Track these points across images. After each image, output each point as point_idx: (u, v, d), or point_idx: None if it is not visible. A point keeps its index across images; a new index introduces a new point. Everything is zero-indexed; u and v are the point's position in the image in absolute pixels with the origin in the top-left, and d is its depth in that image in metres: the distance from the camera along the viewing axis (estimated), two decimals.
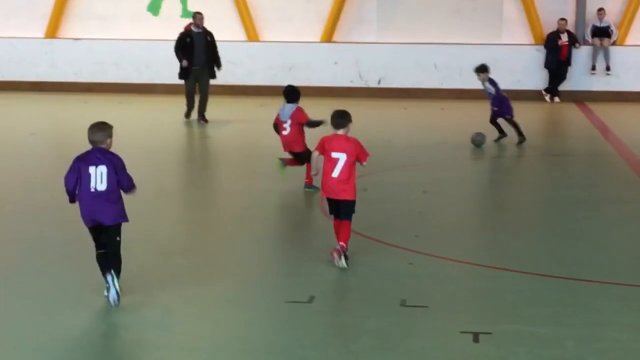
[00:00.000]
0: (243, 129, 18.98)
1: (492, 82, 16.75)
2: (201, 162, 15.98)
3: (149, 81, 23.81)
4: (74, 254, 9.35)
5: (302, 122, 12.36)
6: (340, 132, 9.29)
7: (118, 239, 7.96)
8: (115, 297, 7.74)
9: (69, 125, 19.76)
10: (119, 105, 22.18)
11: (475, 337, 7.13)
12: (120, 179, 7.94)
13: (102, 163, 7.85)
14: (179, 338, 7.18)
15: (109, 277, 7.75)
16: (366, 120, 19.80)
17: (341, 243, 9.01)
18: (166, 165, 14.86)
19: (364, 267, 9.03)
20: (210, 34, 19.56)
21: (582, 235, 10.68)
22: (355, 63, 23.97)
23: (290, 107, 12.46)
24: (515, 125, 16.66)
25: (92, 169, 7.83)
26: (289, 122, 12.39)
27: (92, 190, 7.83)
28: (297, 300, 7.98)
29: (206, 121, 19.16)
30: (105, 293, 7.83)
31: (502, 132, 16.76)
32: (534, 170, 14.99)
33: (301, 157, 12.24)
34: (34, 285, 8.47)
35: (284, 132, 12.49)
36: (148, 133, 18.14)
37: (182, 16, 24.01)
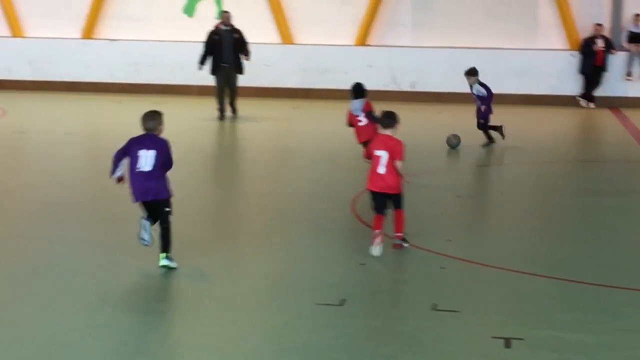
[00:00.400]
0: (276, 131, 19.02)
1: (483, 85, 16.83)
2: (233, 163, 16.01)
3: (183, 82, 23.90)
4: (110, 250, 9.43)
5: (368, 110, 13.48)
6: (387, 132, 9.83)
7: (167, 209, 8.96)
8: (147, 238, 8.85)
9: (103, 125, 19.89)
10: (153, 106, 22.20)
11: (507, 343, 7.11)
12: (166, 161, 9.01)
13: (152, 148, 8.93)
14: (210, 339, 7.20)
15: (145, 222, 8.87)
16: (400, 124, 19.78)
17: (398, 235, 9.77)
18: (198, 166, 14.93)
19: (396, 271, 9.05)
20: (237, 32, 20.20)
21: (615, 241, 10.61)
22: (389, 66, 23.95)
23: (360, 102, 13.57)
24: (485, 130, 16.81)
25: (142, 152, 8.90)
26: (362, 114, 13.45)
27: (137, 170, 8.88)
28: (328, 302, 7.98)
29: (235, 113, 20.17)
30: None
31: (490, 139, 16.84)
32: (568, 176, 14.90)
33: None
34: (73, 283, 8.54)
35: (361, 124, 13.43)
36: (181, 134, 18.21)
37: (217, 18, 24.07)
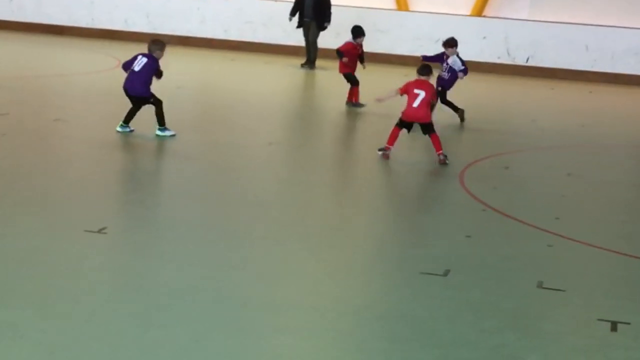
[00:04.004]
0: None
1: (460, 58, 15.93)
2: (337, 129, 15.94)
3: (296, 43, 23.90)
4: (220, 203, 9.53)
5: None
6: (424, 77, 12.53)
7: (152, 100, 12.85)
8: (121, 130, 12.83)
9: (214, 81, 20.05)
10: (264, 65, 22.41)
11: (613, 326, 6.94)
12: (152, 70, 12.73)
13: (145, 58, 12.81)
14: (312, 299, 7.21)
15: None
16: (511, 98, 19.51)
17: (440, 152, 12.26)
18: (294, 128, 14.92)
19: (502, 246, 8.92)
20: None
21: None
22: (505, 39, 23.58)
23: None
24: (449, 104, 15.94)
25: (139, 57, 12.81)
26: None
27: (131, 69, 12.71)
28: (432, 272, 7.91)
29: (311, 68, 22.22)
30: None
31: (457, 109, 15.90)
32: None
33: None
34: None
35: (345, 60, 17.22)
36: (286, 94, 18.28)
37: None
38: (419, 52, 23.48)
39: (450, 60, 15.90)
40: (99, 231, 8.42)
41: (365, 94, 16.58)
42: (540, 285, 7.77)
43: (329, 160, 12.90)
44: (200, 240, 8.51)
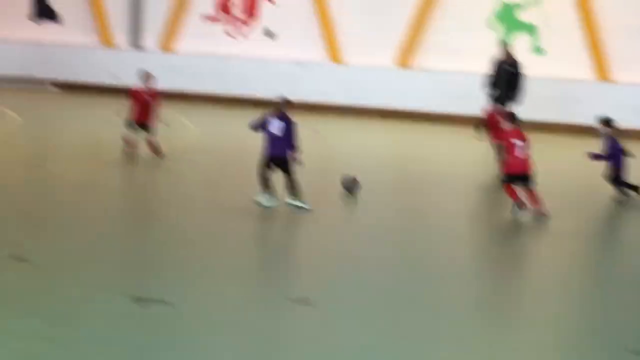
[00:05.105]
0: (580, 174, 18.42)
1: (614, 142, 14.63)
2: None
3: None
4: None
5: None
6: (513, 126, 12.93)
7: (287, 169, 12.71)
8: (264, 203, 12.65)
9: (411, 152, 20.11)
10: (463, 138, 22.34)
11: None
12: (292, 136, 12.61)
13: (283, 121, 12.63)
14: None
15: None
16: None
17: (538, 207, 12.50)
18: (477, 199, 14.87)
19: None
20: (510, 64, 20.32)
21: None
22: None
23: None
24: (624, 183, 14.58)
25: (272, 121, 12.62)
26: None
27: (276, 135, 12.55)
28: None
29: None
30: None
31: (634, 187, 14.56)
32: None
33: None
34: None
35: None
36: (476, 166, 18.27)
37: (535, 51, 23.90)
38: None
39: (602, 141, 14.73)
40: (302, 301, 8.61)
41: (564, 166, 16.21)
42: None
43: (514, 230, 12.76)
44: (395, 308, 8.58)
